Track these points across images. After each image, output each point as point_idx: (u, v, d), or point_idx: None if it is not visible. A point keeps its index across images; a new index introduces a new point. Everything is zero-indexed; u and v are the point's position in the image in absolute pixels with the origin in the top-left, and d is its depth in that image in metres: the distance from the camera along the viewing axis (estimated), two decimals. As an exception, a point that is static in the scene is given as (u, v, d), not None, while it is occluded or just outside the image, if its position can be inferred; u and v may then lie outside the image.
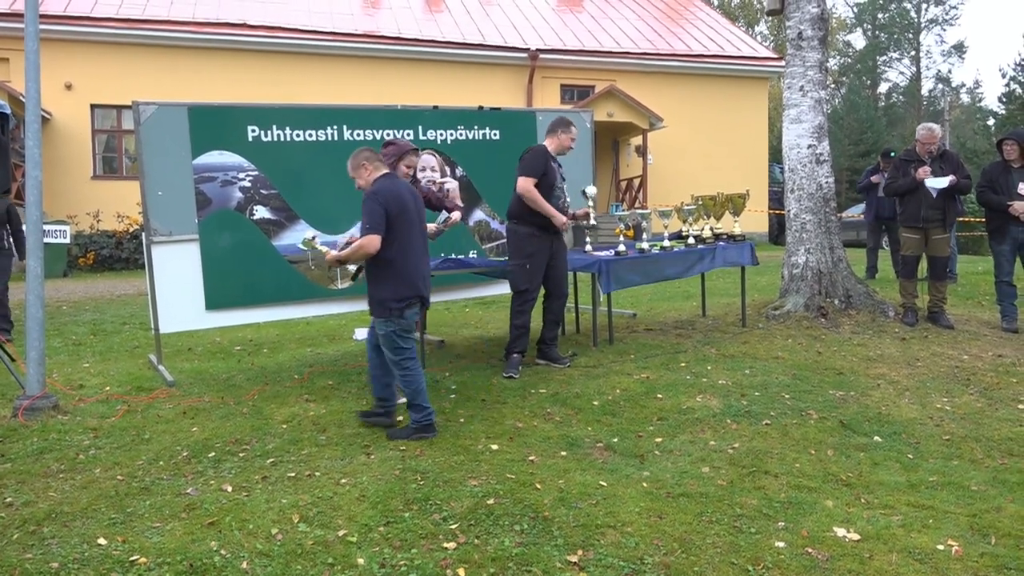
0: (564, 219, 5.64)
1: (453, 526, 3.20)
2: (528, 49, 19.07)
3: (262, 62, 17.49)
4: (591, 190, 6.05)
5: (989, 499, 3.52)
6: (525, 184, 5.54)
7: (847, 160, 33.31)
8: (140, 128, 5.70)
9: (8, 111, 6.14)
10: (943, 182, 6.70)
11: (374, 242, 4.19)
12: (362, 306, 6.70)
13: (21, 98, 13.45)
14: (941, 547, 3.05)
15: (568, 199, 5.82)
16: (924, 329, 6.75)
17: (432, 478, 3.68)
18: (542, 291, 5.84)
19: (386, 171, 4.45)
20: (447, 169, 6.85)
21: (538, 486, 3.59)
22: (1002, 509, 3.41)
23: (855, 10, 50.91)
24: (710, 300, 8.13)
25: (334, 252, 4.43)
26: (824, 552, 3.01)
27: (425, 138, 6.70)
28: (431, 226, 5.25)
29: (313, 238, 4.63)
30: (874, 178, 10.00)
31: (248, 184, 6.02)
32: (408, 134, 6.57)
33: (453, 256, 6.58)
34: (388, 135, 6.48)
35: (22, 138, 12.86)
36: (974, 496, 3.56)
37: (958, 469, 3.89)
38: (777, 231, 20.41)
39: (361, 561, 2.92)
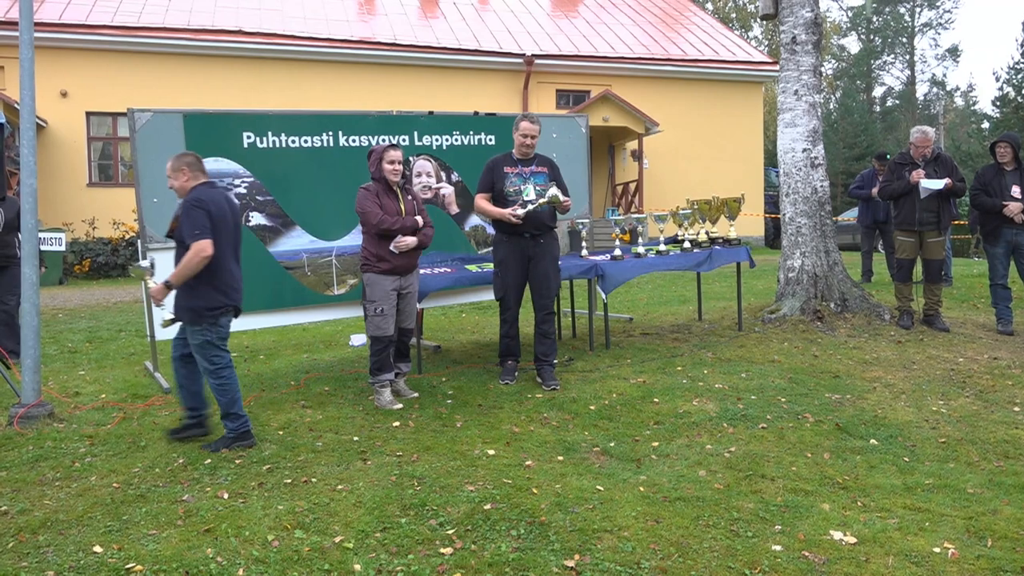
0: (507, 212, 5.26)
1: (450, 531, 3.20)
2: (523, 54, 19.11)
3: (257, 69, 17.50)
4: (551, 191, 5.38)
5: (985, 502, 3.53)
6: (475, 201, 5.57)
7: (842, 164, 33.40)
8: (136, 135, 5.70)
9: (3, 119, 6.13)
10: (938, 184, 6.72)
11: (208, 246, 4.13)
12: (358, 312, 6.71)
13: (16, 106, 13.45)
14: (937, 550, 3.05)
15: (533, 200, 5.36)
16: (920, 332, 6.76)
17: (428, 483, 3.68)
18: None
19: (205, 180, 4.39)
20: (443, 174, 6.85)
21: (535, 491, 3.59)
22: (998, 512, 3.42)
23: (849, 14, 51.13)
24: (706, 304, 8.14)
25: (157, 284, 4.28)
26: (821, 555, 3.01)
27: (421, 144, 6.71)
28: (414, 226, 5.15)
29: (147, 270, 4.48)
30: (874, 191, 9.92)
31: (244, 191, 6.01)
32: (404, 140, 6.58)
33: (443, 270, 6.56)
34: (384, 141, 6.49)
35: (17, 146, 12.88)
36: (970, 499, 3.56)
37: (954, 472, 3.89)
38: (773, 235, 20.45)
39: (358, 567, 2.91)
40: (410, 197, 5.23)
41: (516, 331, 5.58)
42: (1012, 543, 3.11)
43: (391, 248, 5.02)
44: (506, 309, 5.53)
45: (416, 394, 5.29)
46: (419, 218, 5.15)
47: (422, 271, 6.01)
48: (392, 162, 5.03)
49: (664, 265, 6.67)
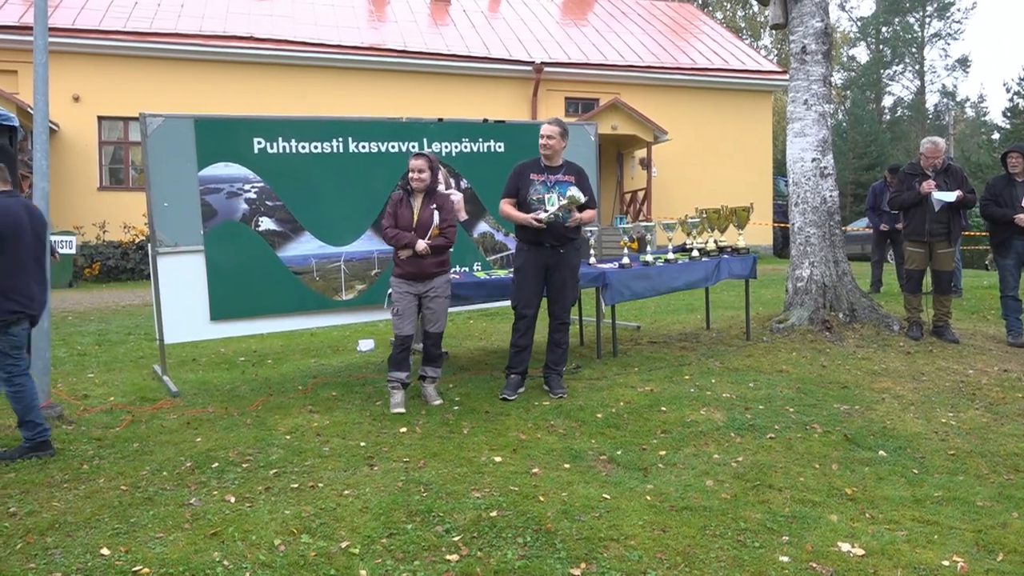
0: (530, 217, 5.19)
1: (456, 538, 3.19)
2: (533, 62, 19.16)
3: (268, 75, 17.60)
4: (571, 191, 5.25)
5: (995, 515, 3.50)
6: (500, 206, 5.47)
7: (851, 174, 33.34)
8: (147, 140, 5.74)
9: (16, 123, 6.17)
10: (950, 196, 6.69)
11: None
12: (366, 317, 6.73)
13: (29, 110, 13.55)
14: (946, 563, 3.03)
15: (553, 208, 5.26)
16: (929, 343, 6.73)
17: (435, 490, 3.68)
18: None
19: (5, 188, 4.37)
20: (452, 181, 6.87)
21: (541, 499, 3.58)
22: (1008, 525, 3.39)
23: (859, 24, 51.08)
24: (714, 313, 8.13)
25: None
26: (828, 567, 2.99)
27: (430, 150, 6.73)
28: (421, 244, 5.07)
29: None
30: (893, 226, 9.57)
31: (253, 196, 6.05)
32: (413, 146, 6.60)
33: (461, 275, 6.56)
34: (393, 147, 6.52)
35: (30, 149, 12.97)
36: (980, 512, 3.54)
37: (963, 484, 3.87)
38: (781, 244, 20.40)
39: (363, 573, 2.91)
40: (434, 206, 5.16)
41: (528, 342, 5.40)
42: (1022, 557, 3.09)
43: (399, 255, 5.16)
44: (521, 318, 5.39)
45: (440, 401, 5.28)
46: (429, 235, 5.12)
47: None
48: (412, 170, 5.10)
49: (672, 282, 6.57)
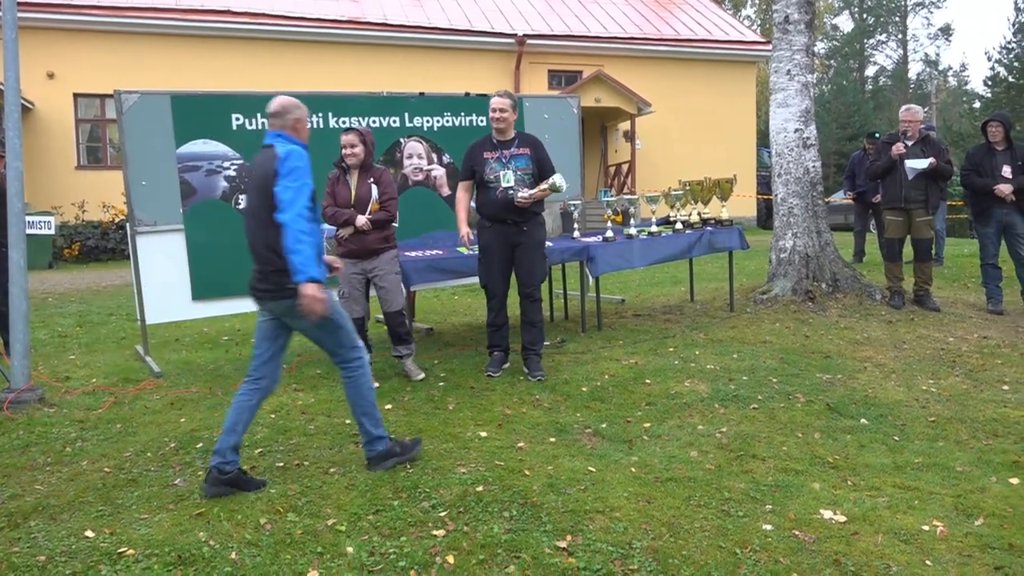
0: (464, 232, 5.25)
1: (442, 513, 3.21)
2: (515, 34, 18.97)
3: (246, 49, 17.32)
4: (556, 179, 5.10)
5: (974, 480, 3.55)
6: (457, 191, 5.42)
7: (834, 144, 33.36)
8: (123, 117, 5.64)
9: (-12, 101, 6.05)
10: (922, 163, 6.73)
11: None
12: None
13: (1, 88, 13.27)
14: (926, 528, 3.08)
15: (513, 187, 5.15)
16: (910, 312, 6.79)
17: (421, 466, 3.69)
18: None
19: None
20: (434, 156, 6.82)
21: (527, 472, 3.59)
22: (986, 489, 3.44)
23: (842, -7, 50.87)
24: (698, 285, 8.15)
25: None
26: (811, 534, 3.03)
27: (412, 125, 6.67)
28: (361, 219, 5.01)
29: None
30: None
31: (233, 173, 5.97)
32: (394, 121, 6.53)
33: (445, 251, 6.53)
34: (374, 122, 6.45)
35: (4, 128, 12.71)
36: (959, 477, 3.59)
37: (943, 450, 3.92)
38: (765, 215, 20.46)
39: (350, 550, 2.92)
40: (371, 181, 5.09)
41: (503, 319, 5.37)
42: (1000, 520, 3.14)
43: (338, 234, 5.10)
44: (492, 296, 5.34)
45: (423, 375, 5.28)
46: (369, 210, 5.05)
47: (412, 254, 5.99)
48: (344, 147, 5.02)
49: (656, 255, 6.58)
